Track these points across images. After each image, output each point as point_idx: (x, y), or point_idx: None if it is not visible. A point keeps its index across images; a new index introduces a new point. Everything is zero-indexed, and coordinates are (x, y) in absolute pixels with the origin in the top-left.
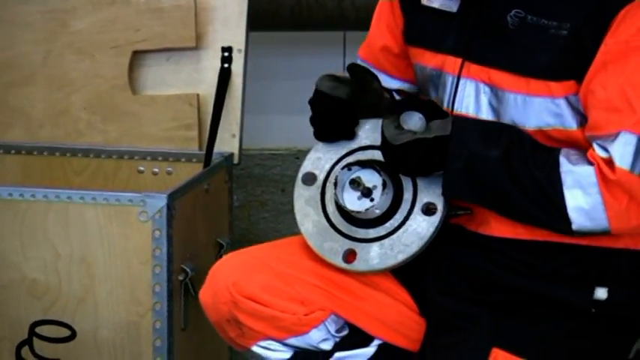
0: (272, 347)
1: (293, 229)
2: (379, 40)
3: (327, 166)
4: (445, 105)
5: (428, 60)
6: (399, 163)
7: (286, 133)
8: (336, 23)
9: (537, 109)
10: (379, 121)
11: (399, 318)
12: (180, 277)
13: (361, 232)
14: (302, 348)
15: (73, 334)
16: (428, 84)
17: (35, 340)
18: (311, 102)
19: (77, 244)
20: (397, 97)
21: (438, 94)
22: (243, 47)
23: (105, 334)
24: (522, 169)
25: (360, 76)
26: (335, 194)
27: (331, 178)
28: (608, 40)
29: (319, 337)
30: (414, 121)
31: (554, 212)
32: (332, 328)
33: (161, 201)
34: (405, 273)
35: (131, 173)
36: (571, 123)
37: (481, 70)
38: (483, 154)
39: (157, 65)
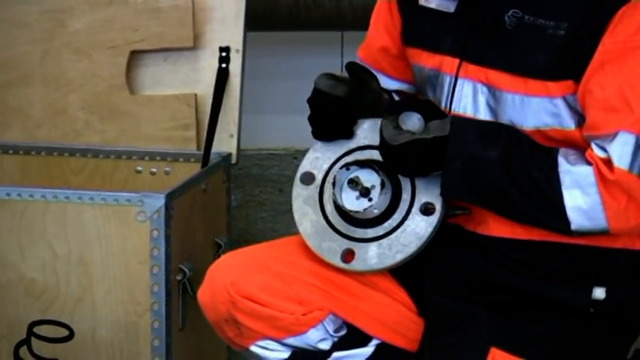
0: (270, 347)
1: (291, 229)
2: (377, 40)
3: (326, 166)
4: (443, 105)
5: (425, 60)
6: (398, 163)
7: (284, 133)
8: (334, 23)
9: (535, 109)
10: (378, 121)
11: (397, 318)
12: (179, 277)
13: (359, 232)
14: (300, 348)
15: (71, 334)
16: (426, 84)
17: (33, 340)
18: (309, 100)
19: (75, 244)
20: (396, 98)
21: (435, 95)
22: (240, 47)
23: (103, 333)
24: (521, 170)
25: (359, 76)
26: (333, 194)
27: (329, 178)
28: (605, 40)
29: (317, 337)
30: (412, 122)
31: (553, 212)
32: (330, 328)
33: (159, 201)
34: (404, 273)
35: (129, 173)
36: (569, 123)
37: (479, 70)
38: (482, 155)
39: (155, 65)
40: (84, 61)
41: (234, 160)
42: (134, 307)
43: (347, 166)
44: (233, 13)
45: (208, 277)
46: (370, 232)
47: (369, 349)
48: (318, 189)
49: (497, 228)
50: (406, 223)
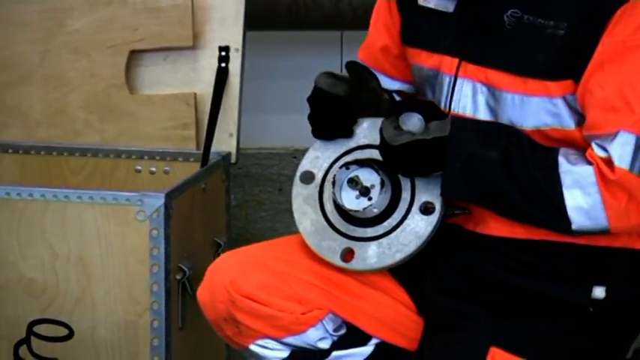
0: (269, 346)
1: (290, 229)
2: (378, 40)
3: (326, 165)
4: (442, 105)
5: (425, 60)
6: (398, 163)
7: (283, 133)
8: (334, 23)
9: (535, 108)
10: (377, 120)
11: (396, 317)
12: (178, 277)
13: (359, 231)
14: (299, 347)
15: (71, 334)
16: (425, 84)
17: (33, 339)
18: (309, 99)
19: (75, 243)
20: (397, 98)
21: (435, 95)
22: (240, 46)
23: (102, 333)
24: (521, 170)
25: (359, 75)
26: (333, 193)
27: (329, 177)
28: (605, 39)
29: (317, 336)
30: (412, 122)
31: (554, 212)
32: (330, 327)
33: (158, 200)
34: (403, 272)
35: (128, 172)
36: (569, 122)
37: (478, 70)
38: (482, 155)
39: (154, 65)
40: (83, 61)
41: (233, 159)
42: (134, 307)
43: (347, 165)
44: (232, 13)
45: (208, 276)
46: (370, 232)
47: (368, 348)
48: (318, 188)
49: (497, 227)
50: (406, 222)
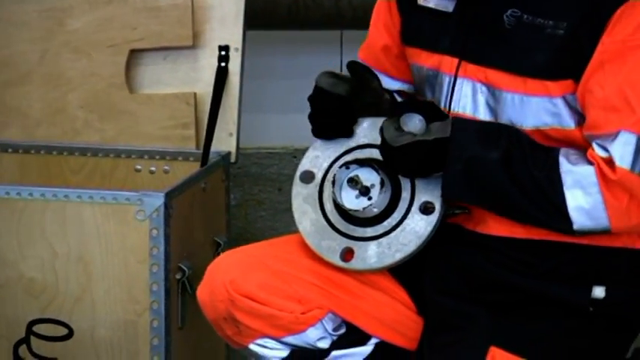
0: (269, 345)
1: (290, 228)
2: (379, 40)
3: (326, 165)
4: (442, 105)
5: (424, 60)
6: (399, 164)
7: (283, 132)
8: (334, 22)
9: (535, 108)
10: (377, 120)
11: (396, 317)
12: (178, 276)
13: (359, 231)
14: (299, 346)
15: (71, 333)
16: (424, 84)
17: (33, 338)
18: (310, 98)
19: (74, 242)
20: (398, 98)
21: (434, 95)
22: (240, 46)
23: (102, 332)
24: (522, 170)
25: (360, 74)
26: (333, 192)
27: (329, 177)
28: (604, 39)
29: (316, 336)
30: (413, 123)
31: (555, 213)
32: (329, 327)
33: (158, 200)
34: (403, 272)
35: (128, 172)
36: (569, 122)
37: (478, 69)
38: (483, 156)
39: (154, 64)
40: (83, 60)
41: (233, 159)
42: (133, 306)
43: (347, 164)
44: (232, 12)
45: (207, 275)
46: (370, 231)
47: (368, 348)
48: (318, 187)
49: (497, 227)
50: (406, 222)
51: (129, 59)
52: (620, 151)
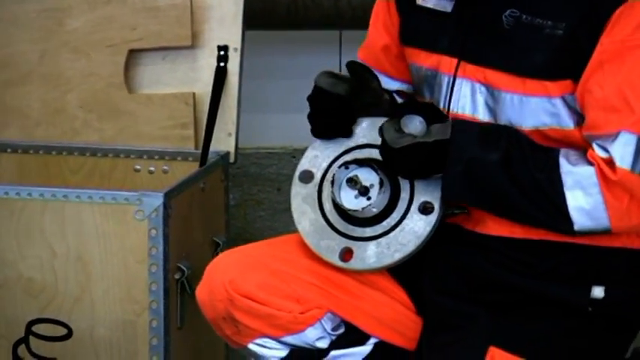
0: (268, 345)
1: (289, 228)
2: (378, 40)
3: (325, 164)
4: (441, 105)
5: (423, 60)
6: (399, 166)
7: (282, 132)
8: (333, 22)
9: (534, 108)
10: (377, 120)
11: (395, 316)
12: (177, 276)
13: (358, 231)
14: (298, 346)
15: (70, 333)
16: (423, 84)
17: (32, 338)
18: (309, 98)
19: (73, 242)
20: (398, 98)
21: (433, 95)
22: (239, 46)
23: (101, 332)
24: (522, 172)
25: (360, 74)
26: (332, 192)
27: (328, 177)
28: (603, 39)
29: (315, 335)
30: (414, 125)
31: (556, 213)
32: (328, 326)
33: (157, 200)
34: (402, 271)
35: (127, 172)
36: (568, 122)
37: (477, 70)
38: (483, 158)
39: (153, 64)
40: (82, 60)
41: (232, 159)
42: (132, 306)
43: (346, 164)
44: (231, 12)
45: (206, 275)
46: (369, 231)
47: (367, 348)
48: (317, 187)
49: (496, 227)
50: (405, 222)
51: (128, 59)
52: (621, 151)
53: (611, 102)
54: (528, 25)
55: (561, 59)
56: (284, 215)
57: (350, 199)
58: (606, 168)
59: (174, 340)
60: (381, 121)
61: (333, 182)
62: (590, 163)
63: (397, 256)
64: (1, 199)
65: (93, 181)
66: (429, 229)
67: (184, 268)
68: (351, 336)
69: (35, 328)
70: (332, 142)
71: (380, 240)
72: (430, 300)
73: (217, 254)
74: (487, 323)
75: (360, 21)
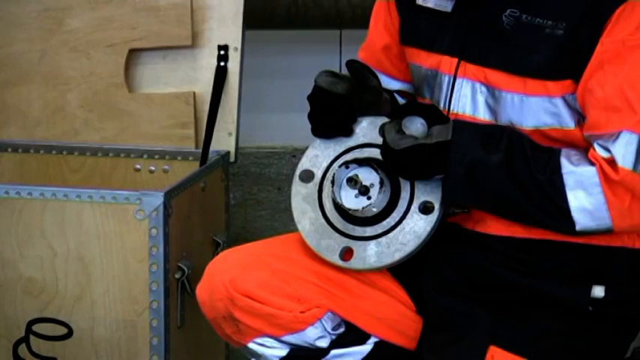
0: (268, 344)
1: (289, 228)
2: (379, 40)
3: (325, 164)
4: (442, 105)
5: (423, 60)
6: (400, 167)
7: (282, 132)
8: (333, 22)
9: (534, 108)
10: (377, 119)
11: (395, 316)
12: (177, 276)
13: (358, 230)
14: (298, 345)
15: (70, 333)
16: (423, 84)
17: (32, 338)
18: (309, 97)
19: (74, 242)
20: (398, 98)
21: (433, 95)
22: (239, 45)
23: (102, 332)
24: (524, 173)
25: (360, 73)
26: (332, 192)
27: (329, 176)
28: (604, 39)
29: (315, 335)
30: (415, 126)
31: (558, 214)
32: (328, 326)
33: (158, 199)
34: (402, 271)
35: (128, 171)
36: (568, 122)
37: (477, 69)
38: (484, 159)
39: (153, 64)
40: (82, 60)
41: (232, 158)
42: (133, 306)
43: (346, 164)
44: (231, 12)
45: (206, 274)
46: (369, 231)
47: (367, 347)
48: (317, 187)
49: (496, 226)
50: (405, 221)
51: (128, 59)
52: (622, 151)
53: (612, 102)
54: (528, 25)
55: (562, 59)
56: (284, 215)
57: (350, 199)
58: (608, 168)
59: (175, 339)
60: (381, 120)
61: (333, 182)
62: (592, 163)
63: (397, 255)
64: (1, 199)
65: (93, 181)
66: (429, 228)
67: (185, 268)
68: (351, 335)
69: (35, 328)
70: (332, 142)
71: (380, 239)
72: (430, 299)
73: (217, 254)
74: (487, 323)
75: (360, 20)
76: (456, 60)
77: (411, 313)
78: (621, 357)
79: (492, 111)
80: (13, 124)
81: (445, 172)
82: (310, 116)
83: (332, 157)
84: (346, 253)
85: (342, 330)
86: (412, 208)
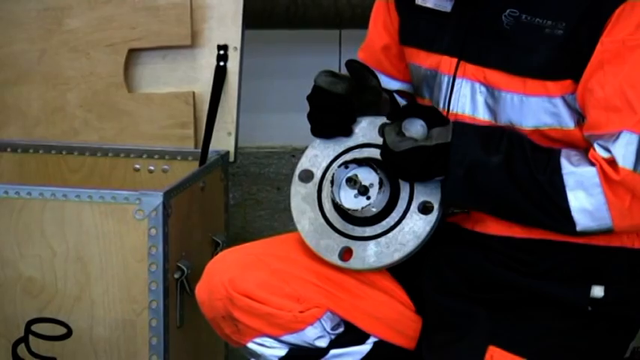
0: (267, 344)
1: (288, 227)
2: (378, 40)
3: (324, 164)
4: (441, 105)
5: (423, 60)
6: (400, 169)
7: (282, 131)
8: (332, 21)
9: (534, 108)
10: (376, 119)
11: (395, 316)
12: (176, 275)
13: (358, 230)
14: (297, 345)
15: (69, 332)
16: (422, 84)
17: (31, 337)
18: (309, 97)
19: (73, 242)
20: (398, 98)
21: (432, 95)
22: (238, 45)
23: (101, 332)
24: (524, 174)
25: (359, 73)
26: (332, 192)
27: (328, 176)
28: (604, 39)
29: (315, 335)
30: (415, 128)
31: (558, 215)
32: (327, 326)
33: (157, 199)
34: (402, 271)
35: (127, 171)
36: (568, 122)
37: (477, 69)
38: (484, 161)
39: (153, 63)
40: (82, 60)
41: (232, 158)
42: (132, 306)
43: (345, 164)
44: (231, 11)
45: (206, 274)
46: (368, 231)
47: (366, 347)
48: (317, 187)
49: (496, 226)
50: (404, 221)
51: (128, 58)
52: (623, 151)
53: (612, 102)
54: (528, 25)
55: (561, 59)
56: (284, 215)
57: (349, 199)
58: (608, 168)
59: (174, 339)
60: (380, 120)
61: (332, 182)
62: (592, 164)
63: (397, 255)
64: (0, 199)
65: (92, 181)
66: (428, 228)
67: (184, 268)
68: (350, 335)
69: (35, 328)
70: (331, 142)
71: (379, 239)
72: (430, 299)
73: (217, 253)
74: (487, 322)
75: (359, 20)
76: (455, 60)
77: (410, 312)
78: (621, 357)
79: (492, 111)
80: (12, 124)
81: (445, 173)
82: (310, 116)
83: (331, 157)
84: (345, 253)
85: (341, 330)
86: (411, 208)
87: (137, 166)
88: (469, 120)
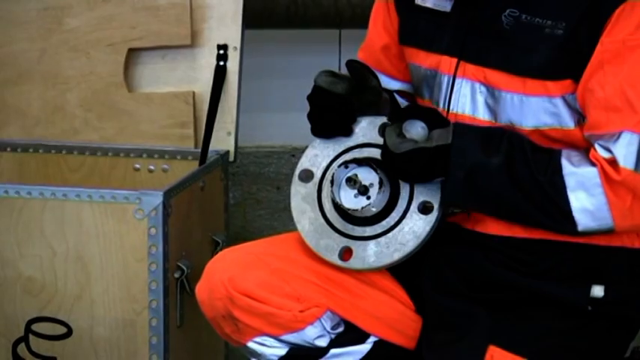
0: (267, 343)
1: (288, 227)
2: (378, 40)
3: (324, 164)
4: (441, 105)
5: (423, 60)
6: (401, 171)
7: (282, 131)
8: (332, 21)
9: (534, 108)
10: (376, 119)
11: (395, 315)
12: (176, 275)
13: (358, 230)
14: (297, 344)
15: (69, 332)
16: (422, 84)
17: (31, 337)
18: (309, 97)
19: (73, 241)
20: (398, 98)
21: (432, 95)
22: (238, 45)
23: (101, 331)
24: (524, 175)
25: (359, 73)
26: (332, 192)
27: (328, 176)
28: (604, 39)
29: (315, 334)
30: (416, 130)
31: (559, 215)
32: (327, 325)
33: (157, 198)
34: (402, 270)
35: (127, 171)
36: (568, 122)
37: (477, 69)
38: (485, 163)
39: (153, 63)
40: (82, 59)
41: (231, 157)
42: (132, 305)
43: (345, 164)
44: (231, 11)
45: (206, 273)
46: (368, 231)
47: (366, 346)
48: (317, 186)
49: (496, 226)
50: (404, 221)
51: (127, 58)
52: (624, 151)
53: (612, 102)
54: (528, 25)
55: (561, 59)
56: (283, 214)
57: (349, 199)
58: (609, 168)
59: (174, 338)
60: (380, 120)
61: (332, 181)
62: (593, 164)
63: (396, 255)
64: (0, 198)
65: (92, 180)
66: (428, 228)
67: (184, 267)
68: (350, 334)
69: (35, 327)
70: (331, 141)
71: (379, 239)
72: (430, 299)
73: (217, 253)
74: (487, 322)
75: (359, 19)
76: (455, 60)
77: (410, 312)
78: (621, 356)
79: (492, 111)
80: (12, 124)
81: (445, 175)
82: (310, 116)
83: (331, 157)
84: (345, 253)
85: (341, 329)
86: (411, 208)
87: (137, 165)
88: (469, 120)
